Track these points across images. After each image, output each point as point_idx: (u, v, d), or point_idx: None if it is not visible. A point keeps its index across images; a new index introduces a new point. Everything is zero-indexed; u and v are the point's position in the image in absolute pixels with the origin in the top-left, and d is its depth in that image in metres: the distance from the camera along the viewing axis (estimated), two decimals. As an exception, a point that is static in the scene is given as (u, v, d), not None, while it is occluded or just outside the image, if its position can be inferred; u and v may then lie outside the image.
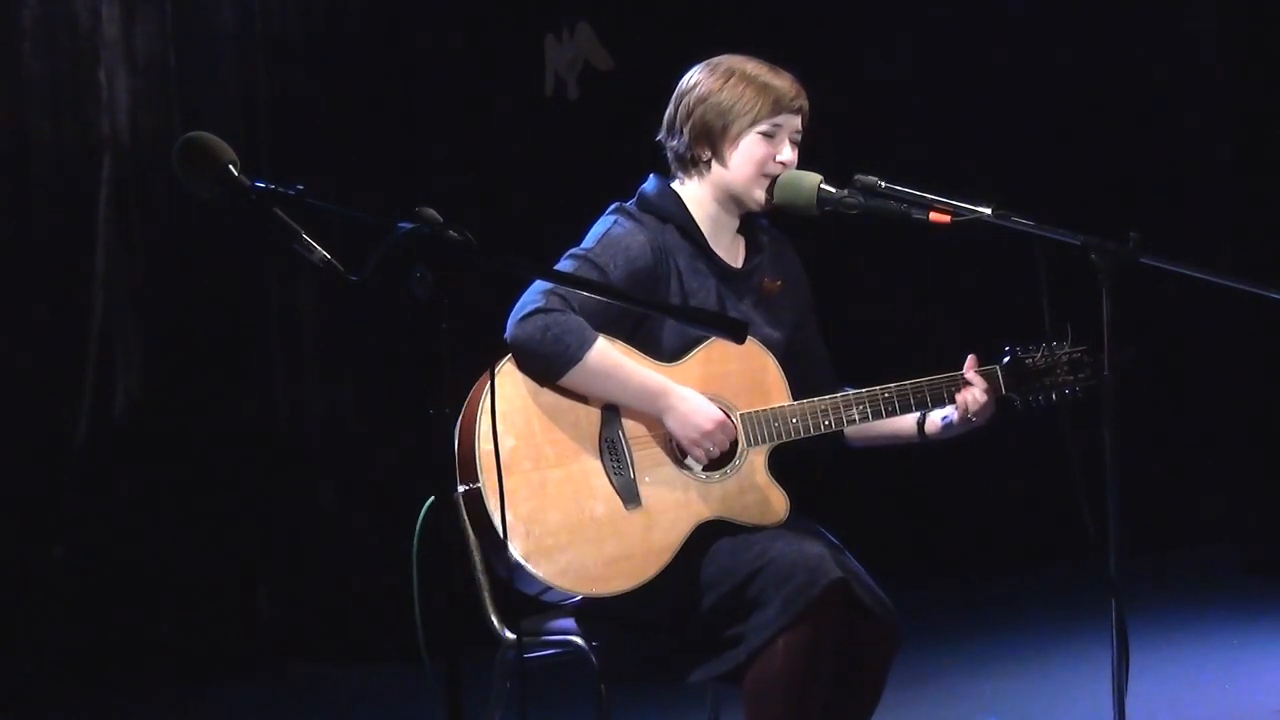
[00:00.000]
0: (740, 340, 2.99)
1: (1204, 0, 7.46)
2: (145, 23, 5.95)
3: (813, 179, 3.49)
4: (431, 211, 2.52)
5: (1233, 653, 5.61)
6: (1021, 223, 3.27)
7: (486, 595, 3.45)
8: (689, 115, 3.53)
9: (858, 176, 3.44)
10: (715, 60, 3.58)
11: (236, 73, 6.12)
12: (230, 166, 2.48)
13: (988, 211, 3.30)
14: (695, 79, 3.56)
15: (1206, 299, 7.02)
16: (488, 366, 3.24)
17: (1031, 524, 7.08)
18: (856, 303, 6.79)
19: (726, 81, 3.51)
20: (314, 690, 5.94)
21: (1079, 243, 3.19)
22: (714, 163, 3.53)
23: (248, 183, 2.48)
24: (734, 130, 3.50)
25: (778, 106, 3.50)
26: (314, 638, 6.16)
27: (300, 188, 2.50)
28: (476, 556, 3.42)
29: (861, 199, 3.43)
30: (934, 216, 3.35)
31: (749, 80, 3.51)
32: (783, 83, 3.53)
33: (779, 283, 3.63)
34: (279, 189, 2.48)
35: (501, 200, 6.44)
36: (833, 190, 3.46)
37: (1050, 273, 3.26)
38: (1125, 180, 7.40)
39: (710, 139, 3.51)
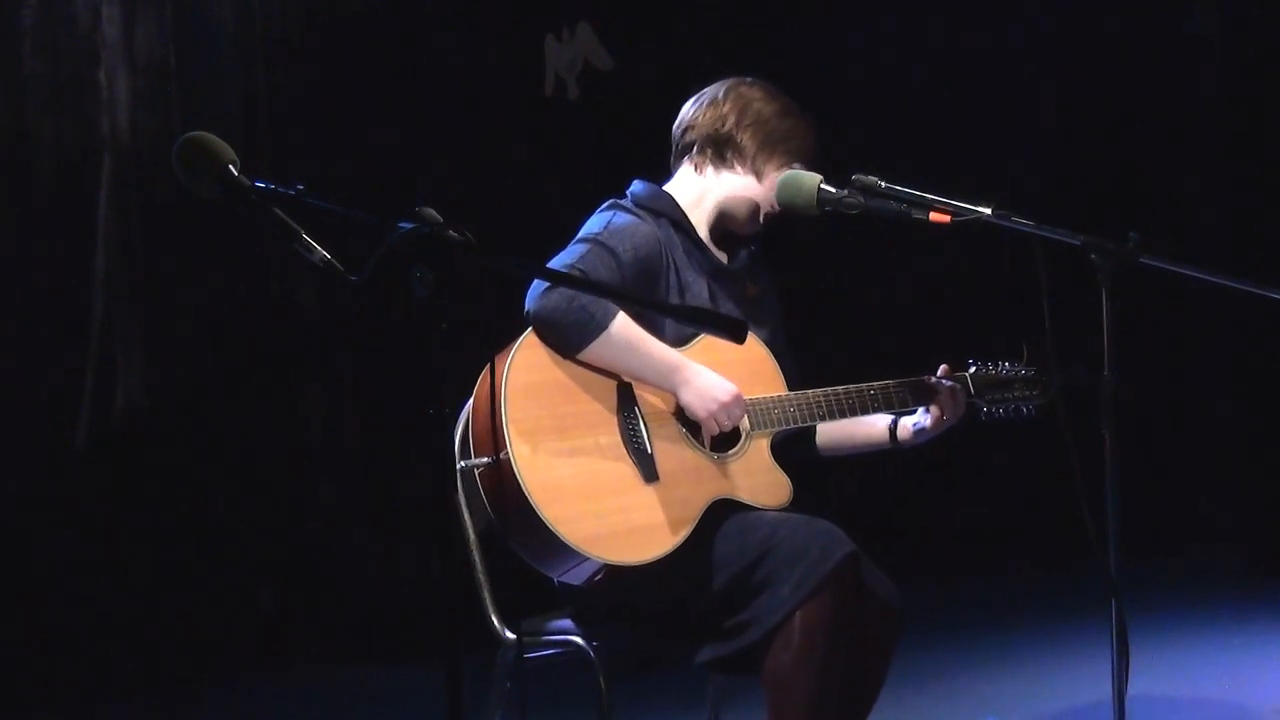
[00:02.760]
0: (740, 340, 3.00)
1: (1205, 0, 7.46)
2: (145, 23, 5.95)
3: (813, 179, 3.50)
4: (431, 211, 2.52)
5: (1233, 653, 5.61)
6: (1021, 223, 3.27)
7: (486, 595, 3.45)
8: (746, 125, 3.61)
9: (857, 176, 3.44)
10: (770, 86, 3.68)
11: (236, 73, 6.13)
12: (230, 166, 2.48)
13: (988, 211, 3.30)
14: (756, 93, 3.65)
15: (1206, 299, 7.02)
16: (496, 350, 3.27)
17: (1031, 524, 7.08)
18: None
19: (786, 113, 3.64)
20: (314, 690, 5.94)
21: (1079, 243, 3.20)
22: (750, 176, 3.60)
23: (248, 182, 2.48)
24: (776, 160, 3.61)
25: (808, 156, 3.64)
26: (314, 638, 6.16)
27: (300, 188, 2.49)
28: (477, 555, 3.43)
29: (861, 199, 3.43)
30: (934, 216, 3.35)
31: (802, 121, 3.65)
32: (815, 139, 3.67)
33: (759, 287, 3.71)
34: (279, 189, 2.48)
35: (501, 200, 6.44)
36: (833, 190, 3.47)
37: (1049, 272, 3.26)
38: (1125, 180, 7.40)
39: (755, 154, 3.60)
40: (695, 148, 3.64)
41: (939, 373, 3.64)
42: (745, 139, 3.60)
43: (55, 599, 5.73)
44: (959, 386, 3.64)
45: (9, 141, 5.75)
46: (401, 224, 2.49)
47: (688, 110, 3.69)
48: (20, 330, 5.75)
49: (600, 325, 3.35)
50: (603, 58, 6.79)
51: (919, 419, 3.66)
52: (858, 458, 3.81)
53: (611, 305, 3.38)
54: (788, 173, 3.55)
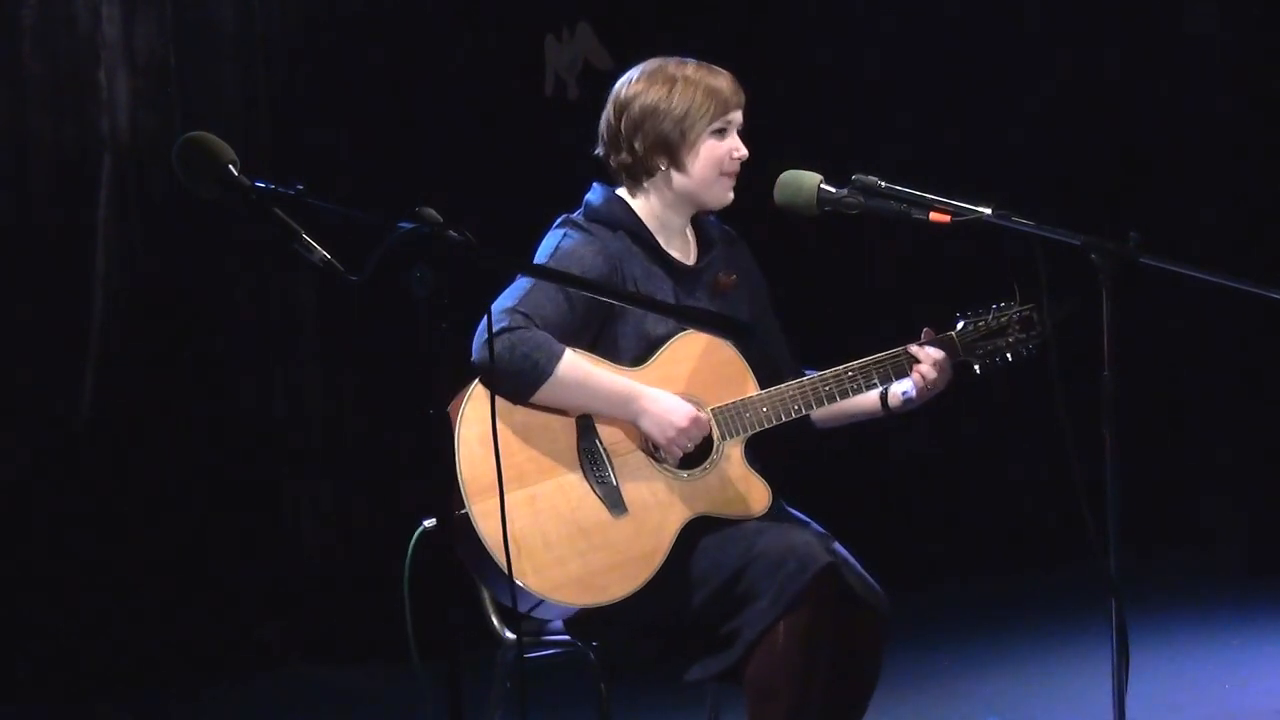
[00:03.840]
0: (743, 340, 2.99)
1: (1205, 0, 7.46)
2: (145, 23, 5.95)
3: (813, 179, 3.49)
4: (431, 211, 2.52)
5: (1233, 653, 5.61)
6: (1021, 223, 3.27)
7: (486, 596, 3.45)
8: (637, 127, 3.53)
9: (857, 176, 3.44)
10: (649, 67, 3.59)
11: (236, 73, 6.13)
12: (230, 166, 2.49)
13: (988, 211, 3.30)
14: (634, 89, 3.56)
15: (1206, 299, 7.02)
16: (469, 382, 3.25)
17: (1031, 524, 7.08)
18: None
19: (672, 89, 3.53)
20: (314, 690, 5.94)
21: (1079, 243, 3.19)
22: (673, 171, 3.54)
23: (248, 182, 2.48)
24: (691, 136, 3.52)
25: (724, 105, 3.54)
26: (314, 638, 6.16)
27: (300, 188, 2.50)
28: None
29: (861, 199, 3.42)
30: (934, 216, 3.35)
31: (694, 84, 3.53)
32: (723, 81, 3.56)
33: (733, 276, 3.64)
34: (279, 189, 2.48)
35: (502, 200, 6.43)
36: (833, 190, 3.46)
37: (1048, 272, 3.26)
38: (1125, 180, 7.40)
39: (668, 149, 3.52)
40: (619, 175, 3.59)
41: (922, 337, 3.57)
42: (648, 147, 3.52)
43: (52, 597, 5.73)
44: (942, 354, 3.55)
45: (9, 141, 5.76)
46: (401, 224, 2.49)
47: (599, 136, 3.62)
48: (20, 330, 5.75)
49: (545, 372, 3.31)
50: (603, 58, 6.78)
51: (906, 387, 3.58)
52: (851, 429, 3.74)
53: (556, 346, 3.34)
54: (787, 173, 3.52)
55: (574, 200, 3.67)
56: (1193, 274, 3.28)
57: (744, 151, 3.57)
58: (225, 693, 5.84)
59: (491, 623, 3.43)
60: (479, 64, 6.54)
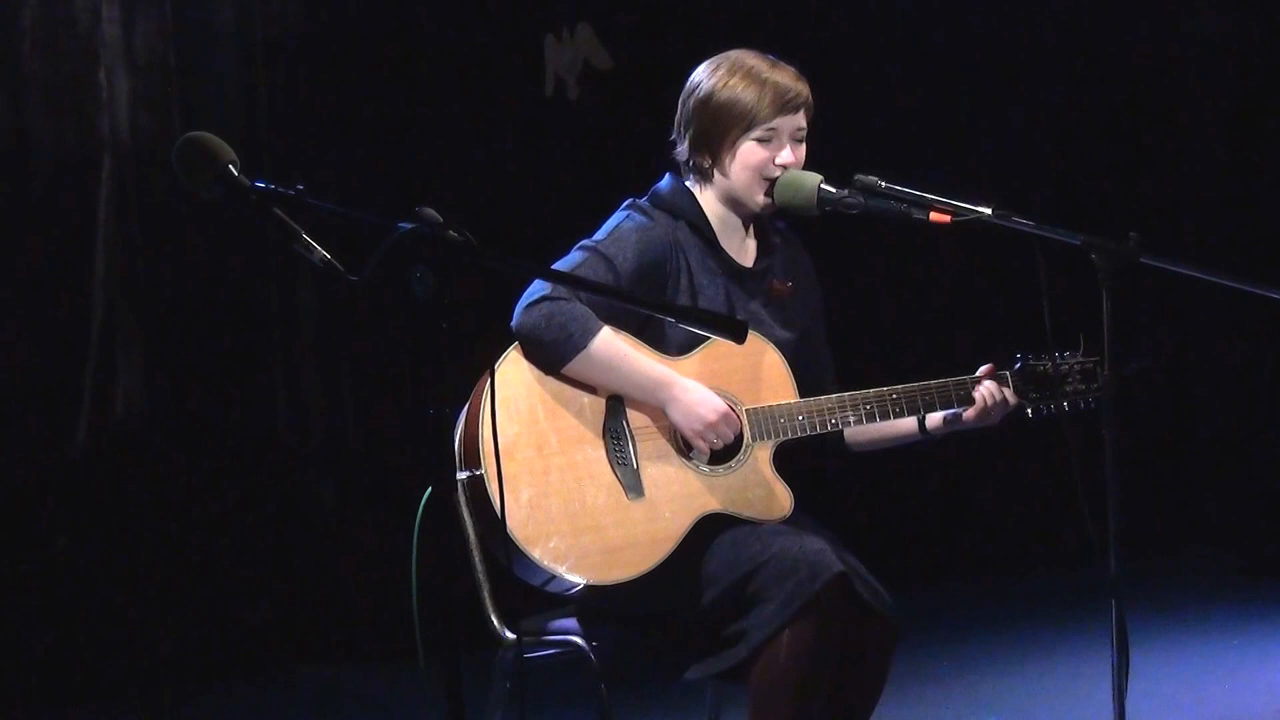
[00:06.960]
0: (740, 340, 2.98)
1: (1205, 0, 7.46)
2: (145, 23, 5.95)
3: (813, 179, 3.49)
4: (431, 211, 2.52)
5: (1233, 653, 5.61)
6: (1021, 223, 3.27)
7: (486, 595, 3.45)
8: (690, 120, 3.52)
9: (858, 176, 3.44)
10: (718, 58, 3.55)
11: (236, 73, 6.13)
12: (230, 166, 2.48)
13: (988, 211, 3.30)
14: (697, 79, 3.54)
15: (1206, 299, 7.02)
16: (492, 356, 3.26)
17: (1031, 524, 7.08)
18: (862, 306, 6.81)
19: (726, 83, 3.48)
20: (314, 690, 5.94)
21: (1079, 243, 3.20)
22: (715, 170, 3.53)
23: (248, 182, 2.48)
24: (730, 138, 3.48)
25: (775, 107, 3.47)
26: (314, 638, 6.16)
27: (300, 188, 2.49)
28: (477, 555, 3.43)
29: (862, 199, 3.43)
30: (934, 216, 3.35)
31: (749, 79, 3.47)
32: (783, 78, 3.49)
33: (789, 284, 3.63)
34: (279, 189, 2.48)
35: (502, 200, 6.44)
36: (833, 190, 3.46)
37: (1050, 273, 3.26)
38: (1125, 180, 7.40)
39: (709, 146, 3.51)
40: (684, 169, 3.58)
41: (980, 372, 3.53)
42: (693, 143, 3.50)
43: (53, 600, 5.73)
44: (999, 391, 3.50)
45: (9, 141, 5.76)
46: (401, 224, 2.49)
47: (674, 125, 3.59)
48: (20, 330, 5.75)
49: (578, 345, 3.32)
50: (603, 58, 6.78)
51: (948, 412, 3.54)
52: (885, 453, 3.71)
53: (594, 322, 3.34)
54: (788, 172, 3.51)
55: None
56: (1192, 274, 3.28)
57: (790, 159, 3.49)
58: (225, 693, 5.84)
59: (491, 623, 3.43)
60: (479, 64, 6.54)
